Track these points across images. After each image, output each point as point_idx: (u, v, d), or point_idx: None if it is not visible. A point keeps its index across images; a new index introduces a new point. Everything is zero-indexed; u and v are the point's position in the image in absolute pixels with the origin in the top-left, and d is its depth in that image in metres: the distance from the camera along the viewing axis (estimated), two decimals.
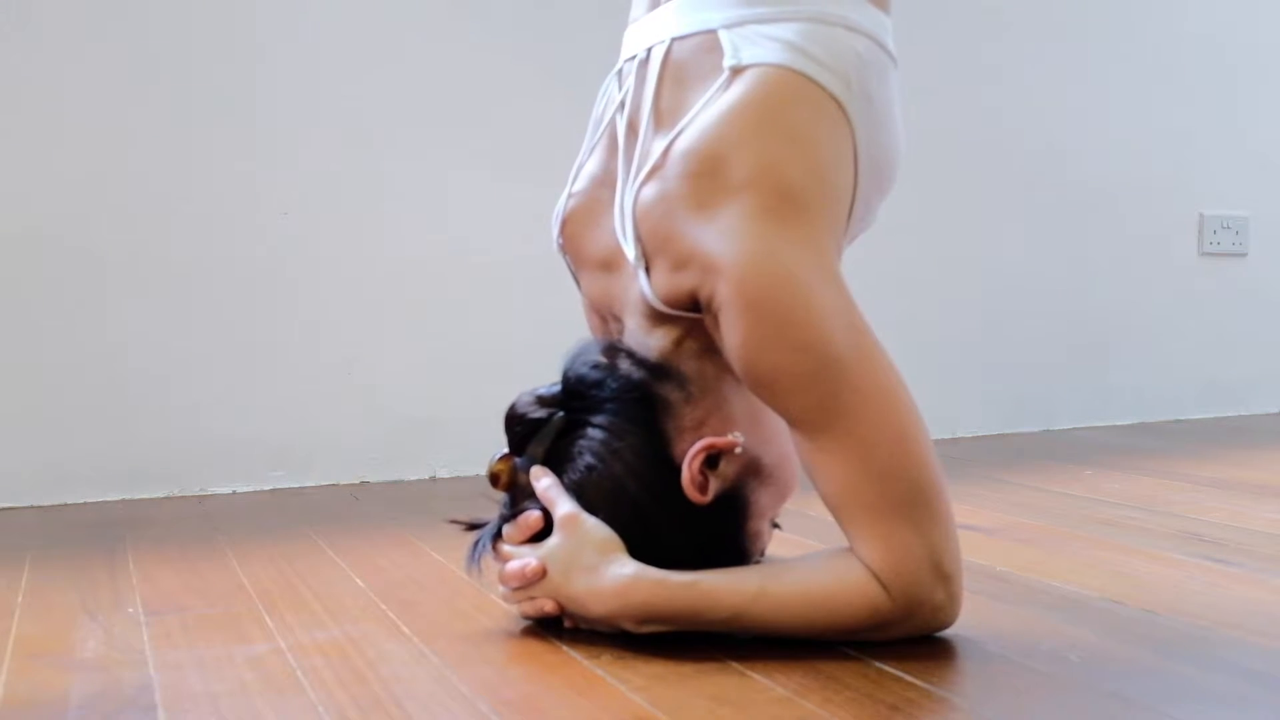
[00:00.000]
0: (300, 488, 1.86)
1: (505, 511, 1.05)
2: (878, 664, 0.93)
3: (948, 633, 0.99)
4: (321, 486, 1.87)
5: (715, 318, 0.97)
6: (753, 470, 1.02)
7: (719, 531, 1.01)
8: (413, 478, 1.94)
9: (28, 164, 1.72)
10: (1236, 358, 2.76)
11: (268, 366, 1.85)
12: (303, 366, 1.87)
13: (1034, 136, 2.49)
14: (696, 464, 0.98)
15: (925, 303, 2.37)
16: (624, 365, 1.03)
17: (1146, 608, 1.11)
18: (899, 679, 0.90)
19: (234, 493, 1.82)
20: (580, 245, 1.12)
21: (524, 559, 1.00)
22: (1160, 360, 2.65)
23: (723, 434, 1.01)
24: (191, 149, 1.80)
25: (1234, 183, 2.74)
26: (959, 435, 2.39)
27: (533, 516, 1.01)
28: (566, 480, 1.01)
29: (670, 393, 1.01)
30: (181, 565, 1.33)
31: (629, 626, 0.97)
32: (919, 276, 2.37)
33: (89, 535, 1.52)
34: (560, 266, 1.19)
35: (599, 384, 1.02)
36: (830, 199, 1.00)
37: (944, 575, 0.95)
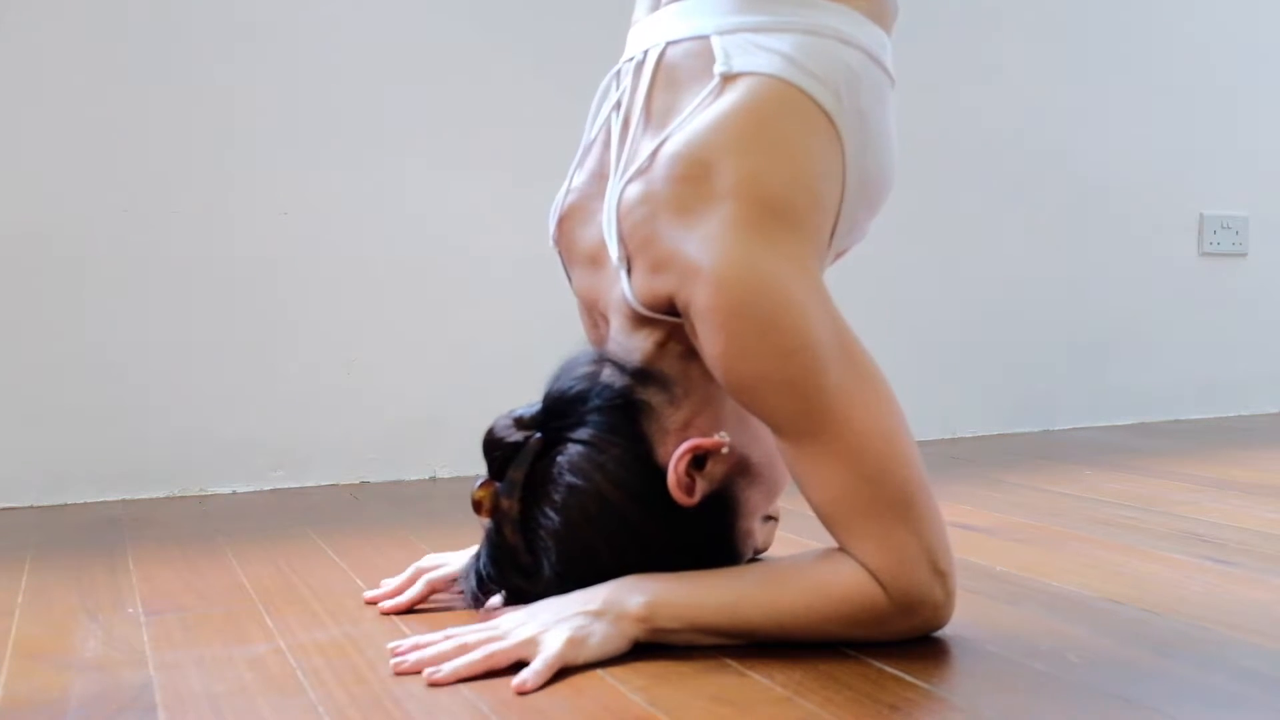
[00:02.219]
0: (300, 488, 1.86)
1: (488, 536, 1.04)
2: (878, 664, 0.93)
3: (947, 632, 0.99)
4: (321, 486, 1.87)
5: (693, 324, 0.97)
6: (741, 469, 1.02)
7: (710, 532, 1.01)
8: (413, 478, 1.94)
9: (27, 164, 1.72)
10: (1236, 358, 2.76)
11: (268, 366, 1.85)
12: (303, 366, 1.87)
13: (1034, 137, 2.49)
14: (682, 466, 0.98)
15: (925, 302, 2.37)
16: (606, 374, 1.03)
17: (1146, 608, 1.11)
18: (899, 679, 0.90)
19: (234, 493, 1.82)
20: (572, 241, 1.13)
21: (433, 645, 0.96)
22: (1160, 360, 2.65)
23: (709, 435, 1.00)
24: (191, 149, 1.80)
25: (1234, 183, 2.74)
26: (959, 435, 2.39)
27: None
28: (549, 503, 1.00)
29: (653, 396, 1.01)
30: (181, 565, 1.33)
31: (639, 630, 0.96)
32: (919, 276, 2.37)
33: (89, 535, 1.52)
34: (560, 266, 1.19)
35: (582, 397, 1.02)
36: (814, 212, 1.00)
37: (940, 572, 0.95)
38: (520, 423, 1.04)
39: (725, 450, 1.00)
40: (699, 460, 1.00)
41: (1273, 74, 2.78)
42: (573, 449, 1.00)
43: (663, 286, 0.99)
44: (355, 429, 1.90)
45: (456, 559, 1.15)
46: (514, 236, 1.95)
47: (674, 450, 0.99)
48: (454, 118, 1.96)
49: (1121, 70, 2.58)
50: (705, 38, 1.03)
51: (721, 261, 0.94)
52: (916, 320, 2.35)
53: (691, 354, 1.02)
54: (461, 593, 1.09)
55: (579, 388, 1.03)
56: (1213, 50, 2.69)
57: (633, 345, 1.04)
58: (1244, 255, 2.76)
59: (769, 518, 1.15)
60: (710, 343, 0.95)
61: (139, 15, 1.76)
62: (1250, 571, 1.25)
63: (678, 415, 1.01)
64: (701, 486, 0.99)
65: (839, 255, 1.11)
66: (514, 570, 1.02)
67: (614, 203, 1.03)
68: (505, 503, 1.01)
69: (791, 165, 0.98)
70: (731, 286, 0.93)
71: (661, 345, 1.03)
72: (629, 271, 1.02)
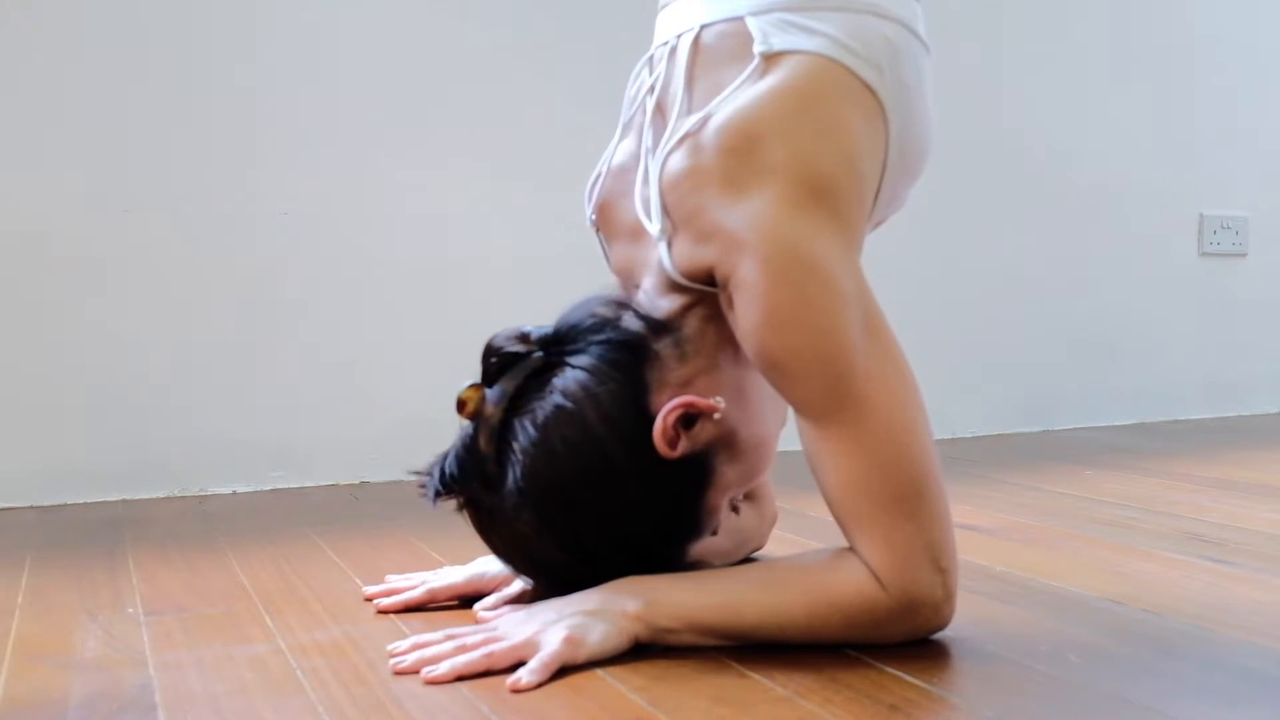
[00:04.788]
0: (300, 488, 1.86)
1: (463, 438, 1.03)
2: (878, 664, 0.93)
3: (947, 633, 0.99)
4: (321, 486, 1.87)
5: (730, 297, 0.98)
6: (726, 441, 1.02)
7: (678, 492, 1.00)
8: (413, 478, 1.93)
9: (27, 164, 1.72)
10: (1236, 358, 2.76)
11: (268, 366, 1.85)
12: (303, 366, 1.87)
13: (1034, 136, 2.49)
14: (672, 418, 0.98)
15: (925, 303, 2.37)
16: (626, 318, 1.03)
17: (1146, 608, 1.11)
18: (899, 679, 0.90)
19: (234, 493, 1.82)
20: (613, 217, 1.13)
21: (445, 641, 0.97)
22: (1160, 360, 2.65)
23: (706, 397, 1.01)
24: (191, 149, 1.80)
25: (1234, 183, 2.74)
26: (959, 435, 2.39)
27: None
28: (531, 418, 0.98)
29: (663, 347, 1.01)
30: (181, 565, 1.33)
31: (638, 629, 0.96)
32: (919, 276, 2.36)
33: (89, 535, 1.52)
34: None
35: (595, 329, 1.02)
36: (858, 191, 1.01)
37: (942, 570, 0.95)
38: (524, 338, 1.03)
39: (717, 416, 1.00)
40: (689, 419, 0.99)
41: (1273, 74, 2.78)
42: (570, 373, 0.99)
43: (705, 257, 0.99)
44: (355, 429, 1.90)
45: (463, 572, 1.15)
46: (515, 236, 1.95)
47: (668, 402, 0.99)
48: (455, 118, 1.95)
49: (1122, 70, 2.58)
50: (739, 19, 1.03)
51: (766, 237, 0.95)
52: (917, 320, 2.34)
53: (714, 318, 1.02)
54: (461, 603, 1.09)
55: (593, 321, 1.03)
56: (1213, 50, 2.69)
57: (661, 305, 1.04)
58: (1244, 255, 2.76)
59: (734, 508, 1.15)
60: (747, 315, 0.96)
61: (139, 15, 1.76)
62: (1250, 571, 1.25)
63: (681, 371, 1.01)
64: (684, 444, 0.99)
65: (877, 224, 1.12)
66: (477, 477, 1.01)
67: (655, 173, 1.03)
68: (489, 409, 1.00)
69: (838, 144, 0.99)
70: (774, 262, 0.94)
71: (688, 308, 1.03)
72: (670, 242, 1.02)
